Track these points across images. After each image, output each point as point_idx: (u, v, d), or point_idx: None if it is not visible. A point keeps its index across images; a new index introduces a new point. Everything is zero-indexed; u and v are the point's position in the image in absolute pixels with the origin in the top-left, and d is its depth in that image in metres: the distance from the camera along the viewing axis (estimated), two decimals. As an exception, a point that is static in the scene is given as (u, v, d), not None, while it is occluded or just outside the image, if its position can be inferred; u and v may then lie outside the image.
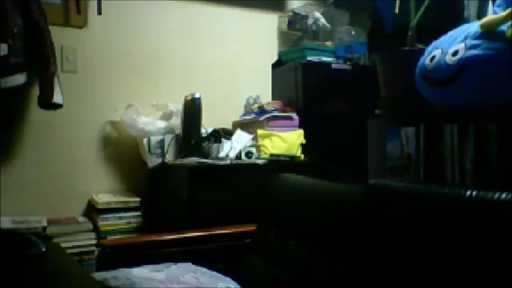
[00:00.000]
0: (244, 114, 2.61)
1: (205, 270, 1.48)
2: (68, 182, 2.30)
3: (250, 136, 2.32)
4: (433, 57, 1.47)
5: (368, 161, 1.99)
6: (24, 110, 2.21)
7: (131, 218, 2.20)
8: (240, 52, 2.71)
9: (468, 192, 1.06)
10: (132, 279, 1.31)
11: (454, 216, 1.07)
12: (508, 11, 1.33)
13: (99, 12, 2.29)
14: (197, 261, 1.53)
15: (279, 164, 2.19)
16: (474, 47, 1.36)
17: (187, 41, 2.59)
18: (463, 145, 1.47)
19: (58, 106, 2.07)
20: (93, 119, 2.36)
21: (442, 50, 1.45)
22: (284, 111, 2.44)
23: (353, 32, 2.66)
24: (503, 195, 0.99)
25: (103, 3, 2.30)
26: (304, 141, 2.38)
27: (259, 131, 2.34)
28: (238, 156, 2.20)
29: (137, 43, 2.47)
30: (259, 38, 2.78)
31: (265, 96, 2.71)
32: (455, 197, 1.09)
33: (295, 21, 2.73)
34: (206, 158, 2.12)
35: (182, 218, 2.04)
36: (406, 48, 1.71)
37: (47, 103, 2.03)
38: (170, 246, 1.70)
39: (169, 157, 2.22)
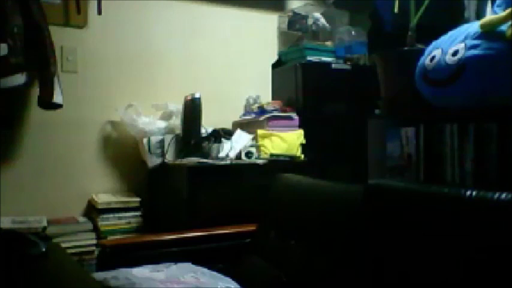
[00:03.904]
0: (244, 114, 2.61)
1: (205, 270, 1.48)
2: (68, 182, 2.31)
3: (250, 136, 2.31)
4: (433, 57, 1.47)
5: (368, 161, 1.99)
6: (24, 110, 2.21)
7: (131, 218, 2.21)
8: (240, 52, 2.71)
9: (468, 192, 1.06)
10: (132, 279, 1.31)
11: (454, 216, 1.07)
12: (508, 11, 1.33)
13: (99, 12, 2.29)
14: (197, 261, 1.53)
15: (279, 164, 2.19)
16: (474, 47, 1.36)
17: (187, 41, 2.59)
18: (463, 145, 1.47)
19: (58, 106, 2.07)
20: (93, 119, 2.36)
21: (442, 50, 1.45)
22: (284, 111, 2.44)
23: (353, 32, 2.66)
24: (503, 195, 0.99)
25: (103, 3, 2.30)
26: (304, 141, 2.38)
27: (259, 131, 2.34)
28: (238, 156, 2.20)
29: (137, 43, 2.47)
30: (259, 38, 2.78)
31: (265, 96, 2.71)
32: (455, 197, 1.09)
33: (295, 21, 2.73)
34: (206, 158, 2.12)
35: (182, 218, 2.04)
36: (406, 48, 1.71)
37: (47, 103, 2.03)
38: (170, 246, 1.70)
39: (169, 157, 2.22)
